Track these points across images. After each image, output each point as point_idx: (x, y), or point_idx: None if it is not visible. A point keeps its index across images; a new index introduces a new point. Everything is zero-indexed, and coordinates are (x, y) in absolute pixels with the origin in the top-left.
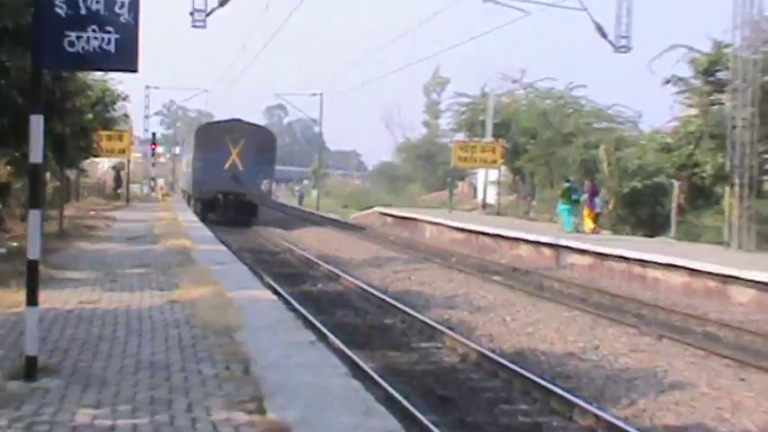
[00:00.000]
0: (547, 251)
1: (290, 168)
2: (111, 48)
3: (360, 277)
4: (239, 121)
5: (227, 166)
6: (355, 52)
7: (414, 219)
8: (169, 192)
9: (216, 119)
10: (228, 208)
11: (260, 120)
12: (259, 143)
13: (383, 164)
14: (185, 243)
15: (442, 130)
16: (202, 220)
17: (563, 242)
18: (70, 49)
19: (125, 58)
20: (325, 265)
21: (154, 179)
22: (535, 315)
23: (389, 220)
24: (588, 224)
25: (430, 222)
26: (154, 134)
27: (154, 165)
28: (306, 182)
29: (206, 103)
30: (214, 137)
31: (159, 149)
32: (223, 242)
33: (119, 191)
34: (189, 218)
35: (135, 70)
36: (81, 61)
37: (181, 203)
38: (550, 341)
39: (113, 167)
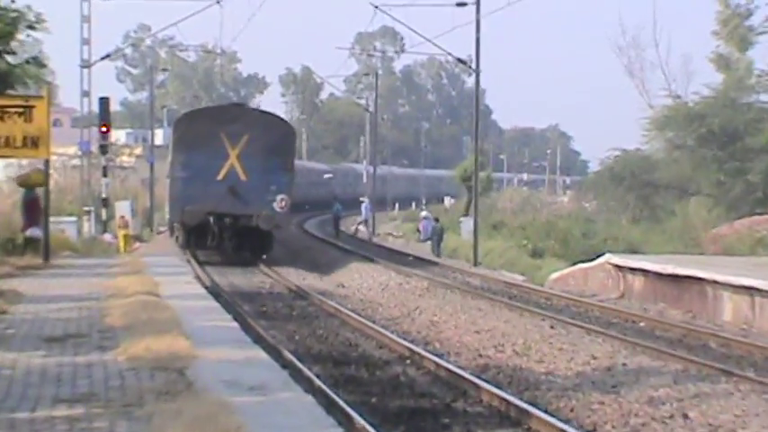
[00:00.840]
0: None
1: (402, 171)
2: None
3: None
4: (241, 106)
5: (222, 175)
6: None
7: (697, 279)
8: (138, 230)
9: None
10: (224, 238)
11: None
12: (271, 140)
13: (624, 155)
14: (177, 344)
15: (760, 73)
16: (195, 258)
17: None
18: None
19: None
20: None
21: (106, 204)
22: None
23: (639, 281)
24: None
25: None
26: (104, 102)
27: (106, 173)
28: (448, 201)
29: (221, 30)
30: (203, 131)
31: (118, 135)
32: (264, 341)
33: (32, 233)
34: (183, 289)
35: None
36: None
37: (168, 255)
38: None
39: (18, 180)
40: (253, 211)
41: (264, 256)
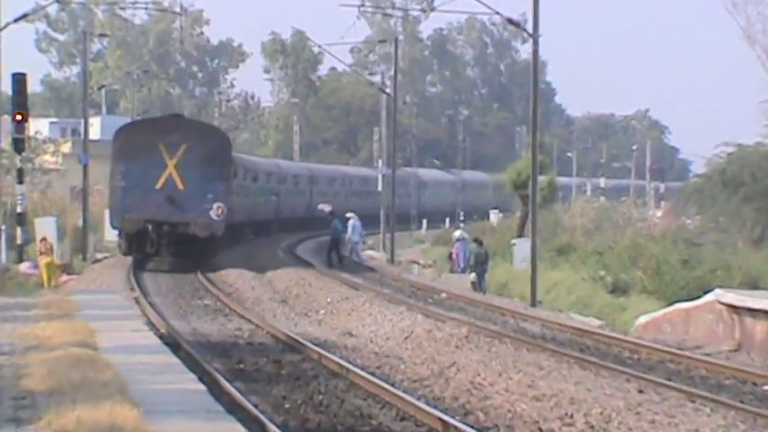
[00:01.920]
0: None
1: (432, 175)
2: None
3: None
4: (179, 117)
5: (160, 183)
6: None
7: None
8: (66, 258)
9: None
10: (162, 245)
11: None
12: (207, 150)
13: (740, 153)
14: (121, 415)
15: None
16: (145, 295)
17: None
18: None
19: None
20: None
21: (22, 221)
22: None
23: (763, 328)
24: None
25: None
26: (19, 80)
27: (22, 178)
28: (496, 216)
29: None
30: (142, 142)
31: (38, 126)
32: (242, 410)
33: None
34: (129, 339)
35: None
36: None
37: (108, 292)
38: None
39: None
40: (190, 218)
41: (203, 261)
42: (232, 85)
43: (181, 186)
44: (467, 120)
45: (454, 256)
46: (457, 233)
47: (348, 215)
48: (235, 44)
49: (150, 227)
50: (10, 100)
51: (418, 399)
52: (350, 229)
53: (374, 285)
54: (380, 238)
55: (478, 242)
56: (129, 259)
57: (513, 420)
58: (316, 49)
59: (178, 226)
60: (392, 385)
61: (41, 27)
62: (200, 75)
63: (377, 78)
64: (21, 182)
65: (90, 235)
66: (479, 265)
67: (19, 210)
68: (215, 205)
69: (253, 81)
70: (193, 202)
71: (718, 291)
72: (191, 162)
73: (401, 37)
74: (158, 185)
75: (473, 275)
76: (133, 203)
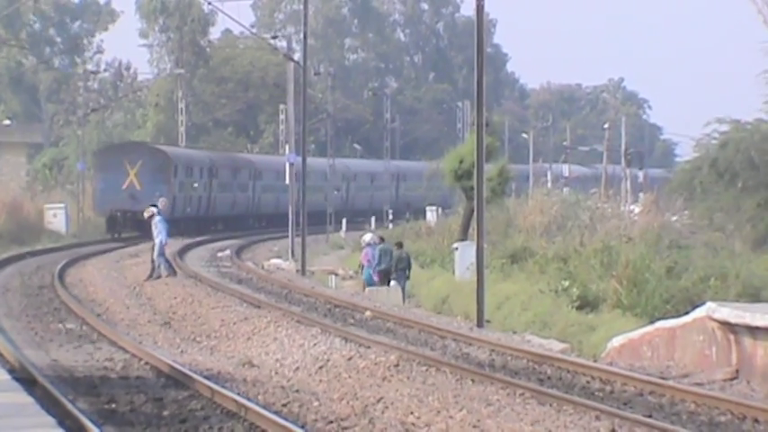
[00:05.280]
0: None
1: (353, 164)
2: None
3: None
4: (139, 143)
5: (125, 185)
6: None
7: None
8: None
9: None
10: (126, 226)
11: None
12: (155, 164)
13: (737, 133)
14: None
15: None
16: None
17: None
18: None
19: None
20: None
21: None
22: None
23: (765, 350)
24: None
25: None
26: None
27: None
28: (433, 214)
29: None
30: (113, 159)
31: None
32: None
33: None
34: None
35: None
36: None
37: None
38: None
39: None
40: (143, 208)
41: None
42: (99, 51)
43: (138, 187)
44: (396, 94)
45: (365, 263)
46: (366, 237)
47: (151, 207)
48: (102, 2)
49: (119, 214)
50: None
51: None
52: (156, 233)
53: (280, 302)
54: (289, 243)
55: (399, 245)
56: None
57: None
58: (206, 8)
59: (136, 213)
60: (302, 428)
61: None
62: (58, 40)
63: (283, 44)
64: None
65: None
66: (400, 270)
67: None
68: (161, 199)
69: (126, 48)
70: (146, 198)
71: (710, 305)
72: (144, 171)
73: None
74: (124, 186)
75: (393, 284)
76: (107, 199)
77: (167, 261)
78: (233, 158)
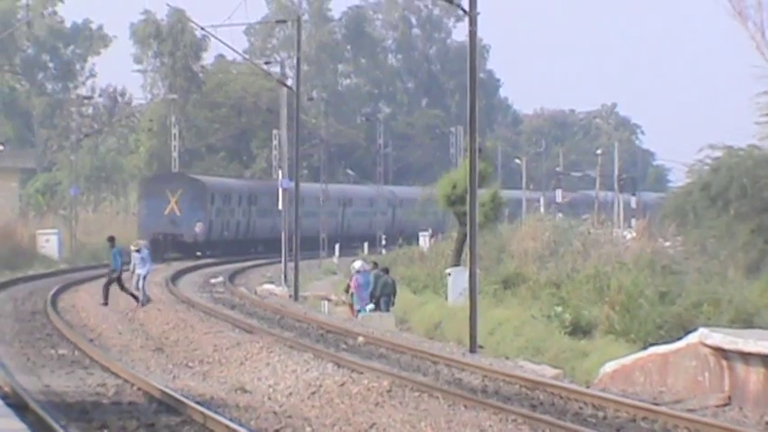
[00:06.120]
0: None
1: (345, 189)
2: None
3: None
4: (179, 173)
5: (167, 211)
6: None
7: None
8: None
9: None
10: (167, 247)
11: None
12: (194, 192)
13: (730, 158)
14: None
15: None
16: None
17: None
18: None
19: None
20: None
21: None
22: None
23: (759, 376)
24: None
25: None
26: None
27: None
28: (426, 239)
29: None
30: (156, 187)
31: None
32: None
33: None
34: None
35: None
36: None
37: None
38: None
39: None
40: (183, 231)
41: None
42: (92, 75)
43: (178, 213)
44: (389, 119)
45: (352, 290)
46: (356, 264)
47: (134, 246)
48: (94, 27)
49: (161, 237)
50: None
51: None
52: (135, 263)
53: (273, 328)
54: (282, 268)
55: (385, 271)
56: None
57: None
58: (198, 33)
59: (176, 236)
60: None
61: None
62: (51, 65)
63: (276, 69)
64: None
65: None
66: (385, 296)
67: None
68: (198, 224)
69: (119, 72)
70: (186, 222)
71: (703, 330)
72: (184, 199)
73: (306, 16)
74: (166, 212)
75: (371, 307)
76: (150, 223)
77: (144, 291)
78: (273, 186)
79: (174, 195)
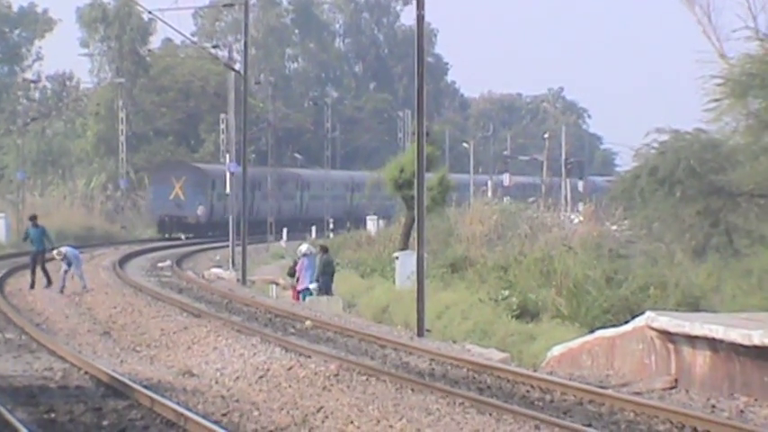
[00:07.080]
0: None
1: (292, 173)
2: None
3: None
4: (182, 162)
5: (172, 196)
6: None
7: None
8: None
9: None
10: (173, 228)
11: None
12: (196, 178)
13: (677, 142)
14: None
15: None
16: None
17: None
18: None
19: None
20: None
21: None
22: None
23: (704, 359)
24: None
25: None
26: None
27: None
28: (374, 223)
29: None
30: (162, 174)
31: None
32: None
33: None
34: None
35: None
36: None
37: None
38: None
39: None
40: (187, 214)
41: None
42: (39, 58)
43: (182, 198)
44: (336, 103)
45: (298, 273)
46: (303, 247)
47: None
48: (39, 11)
49: (167, 219)
50: None
51: None
52: (65, 257)
53: (221, 312)
54: (230, 252)
55: (324, 249)
56: None
57: None
58: (146, 17)
59: (181, 218)
60: None
61: None
62: None
63: (223, 53)
64: None
65: None
66: (326, 275)
67: None
68: (200, 207)
69: (65, 57)
70: (189, 206)
71: (649, 314)
72: (187, 185)
73: (254, 0)
74: (171, 197)
75: (314, 285)
76: (158, 206)
77: (64, 281)
78: (278, 173)
79: (179, 182)
